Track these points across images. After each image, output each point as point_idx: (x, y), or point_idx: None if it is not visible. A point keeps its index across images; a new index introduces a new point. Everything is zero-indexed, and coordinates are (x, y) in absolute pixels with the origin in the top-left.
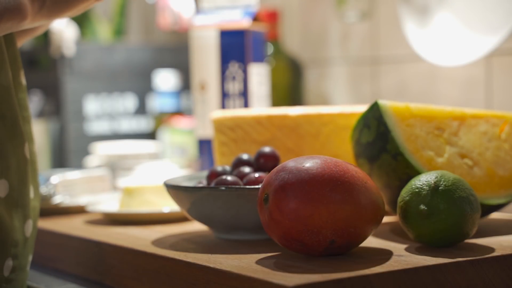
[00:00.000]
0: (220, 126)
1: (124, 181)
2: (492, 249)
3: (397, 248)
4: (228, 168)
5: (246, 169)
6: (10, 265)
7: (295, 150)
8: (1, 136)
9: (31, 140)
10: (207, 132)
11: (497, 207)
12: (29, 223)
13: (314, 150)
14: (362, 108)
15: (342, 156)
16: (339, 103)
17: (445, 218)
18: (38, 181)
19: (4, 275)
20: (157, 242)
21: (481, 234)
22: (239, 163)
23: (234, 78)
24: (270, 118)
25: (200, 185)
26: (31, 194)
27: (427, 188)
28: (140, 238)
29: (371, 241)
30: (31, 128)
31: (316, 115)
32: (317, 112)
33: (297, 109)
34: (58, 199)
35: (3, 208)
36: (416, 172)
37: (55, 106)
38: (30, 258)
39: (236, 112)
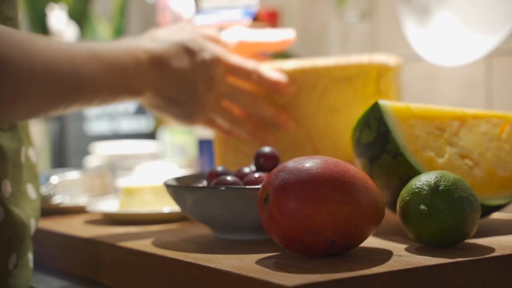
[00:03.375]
0: None
1: (124, 181)
2: (492, 249)
3: (397, 248)
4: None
5: (246, 169)
6: (14, 261)
7: (295, 104)
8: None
9: (30, 144)
10: (207, 132)
11: (498, 208)
12: (33, 222)
13: (311, 104)
14: (357, 59)
15: (339, 108)
16: None
17: (445, 218)
18: (39, 182)
19: (8, 269)
20: (157, 242)
21: (481, 234)
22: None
23: None
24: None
25: (200, 185)
26: (33, 195)
27: (427, 188)
28: (140, 238)
29: (371, 241)
30: (29, 132)
31: (311, 68)
32: (312, 65)
33: (292, 63)
34: (58, 199)
35: (10, 205)
36: (417, 172)
37: None
38: (31, 256)
39: None
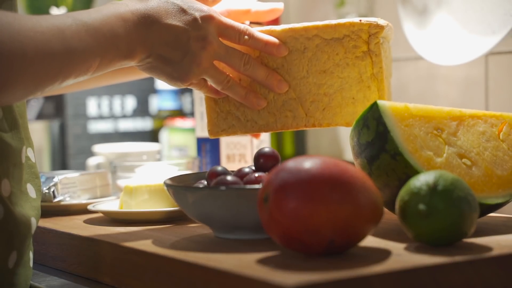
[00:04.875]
0: None
1: (124, 181)
2: (490, 249)
3: (396, 247)
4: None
5: (246, 169)
6: (15, 258)
7: (285, 66)
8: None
9: (29, 144)
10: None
11: (496, 207)
12: (33, 221)
13: (301, 66)
14: (347, 19)
15: (330, 70)
16: None
17: (444, 217)
18: (39, 181)
19: (9, 267)
20: (158, 242)
21: (479, 233)
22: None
23: None
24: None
25: (200, 185)
26: (33, 194)
27: (426, 188)
28: (140, 237)
29: (370, 241)
30: (29, 133)
31: (302, 29)
32: (302, 26)
33: (282, 25)
34: (59, 199)
35: (10, 204)
36: (415, 172)
37: (56, 106)
38: (31, 255)
39: None
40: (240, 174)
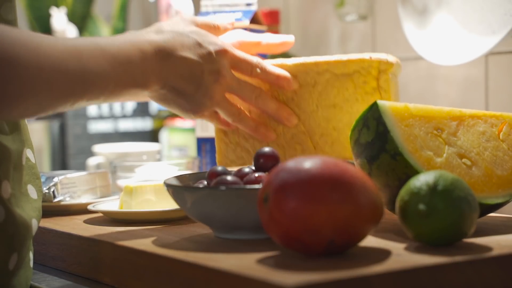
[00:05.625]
0: None
1: (124, 181)
2: (490, 249)
3: (396, 247)
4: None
5: (246, 169)
6: (15, 260)
7: (295, 100)
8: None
9: (29, 145)
10: (207, 132)
11: (496, 207)
12: (34, 222)
13: (312, 100)
14: (358, 55)
15: (340, 105)
16: None
17: (444, 217)
18: (40, 182)
19: (9, 269)
20: (158, 242)
21: (479, 233)
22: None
23: None
24: None
25: (200, 185)
26: (34, 195)
27: (426, 188)
28: (140, 237)
29: (370, 241)
30: (28, 134)
31: (313, 63)
32: (313, 61)
33: (294, 59)
34: (59, 199)
35: (10, 206)
36: (415, 172)
37: None
38: (31, 255)
39: None
40: (240, 174)
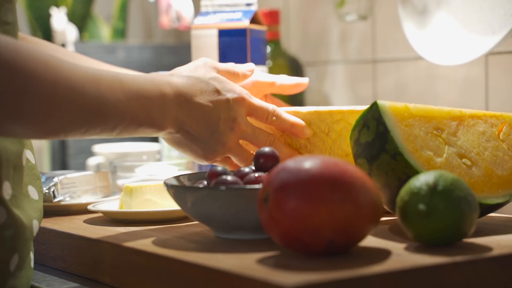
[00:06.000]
0: None
1: (124, 181)
2: (490, 249)
3: (396, 247)
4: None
5: (246, 169)
6: (16, 261)
7: (308, 147)
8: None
9: (29, 146)
10: None
11: (495, 207)
12: (35, 223)
13: (325, 148)
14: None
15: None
16: (338, 103)
17: (444, 217)
18: (40, 183)
19: (10, 270)
20: (158, 242)
21: (479, 233)
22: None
23: None
24: None
25: (200, 185)
26: (35, 196)
27: (426, 188)
28: (140, 237)
29: (370, 241)
30: None
31: (328, 112)
32: (328, 110)
33: (307, 107)
34: (59, 199)
35: (11, 207)
36: (415, 172)
37: None
38: (32, 256)
39: None
40: (240, 174)
